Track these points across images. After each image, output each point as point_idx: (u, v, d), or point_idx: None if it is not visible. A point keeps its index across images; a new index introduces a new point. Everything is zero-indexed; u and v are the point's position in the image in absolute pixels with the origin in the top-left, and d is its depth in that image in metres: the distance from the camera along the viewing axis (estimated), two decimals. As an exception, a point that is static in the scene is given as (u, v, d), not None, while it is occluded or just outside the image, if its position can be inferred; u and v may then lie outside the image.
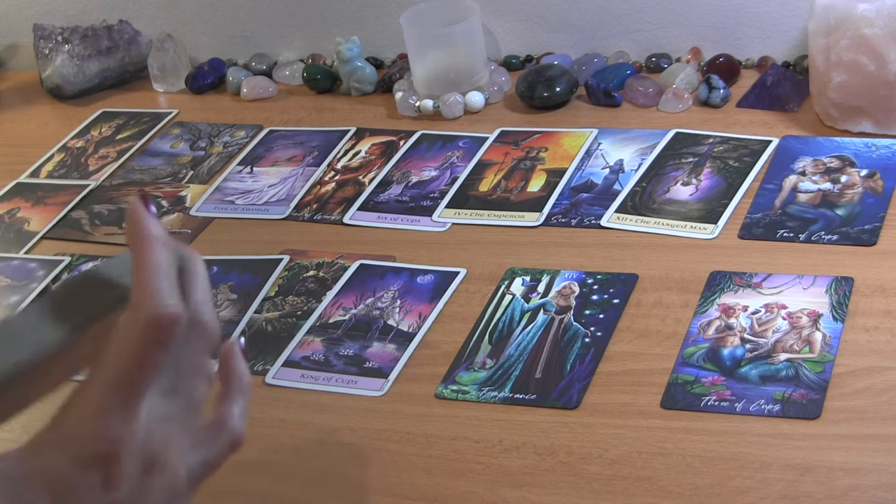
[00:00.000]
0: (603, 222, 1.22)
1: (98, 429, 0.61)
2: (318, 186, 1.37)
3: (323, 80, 1.57)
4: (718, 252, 1.15)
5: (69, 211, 1.41)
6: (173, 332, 0.62)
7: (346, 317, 1.15)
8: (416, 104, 1.47)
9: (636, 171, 1.28)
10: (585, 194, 1.26)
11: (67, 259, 1.32)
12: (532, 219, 1.25)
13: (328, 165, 1.41)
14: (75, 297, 0.65)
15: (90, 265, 1.30)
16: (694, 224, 1.19)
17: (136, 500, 0.62)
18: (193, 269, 0.66)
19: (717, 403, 0.97)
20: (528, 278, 1.16)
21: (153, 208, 0.66)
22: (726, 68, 1.42)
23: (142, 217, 0.65)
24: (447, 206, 1.29)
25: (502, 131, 1.40)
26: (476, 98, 1.45)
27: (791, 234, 1.15)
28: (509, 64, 1.54)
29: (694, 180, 1.25)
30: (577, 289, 1.13)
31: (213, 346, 0.66)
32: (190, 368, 0.65)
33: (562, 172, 1.30)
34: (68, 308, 0.64)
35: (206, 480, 0.68)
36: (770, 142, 1.28)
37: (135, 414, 0.62)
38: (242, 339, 0.71)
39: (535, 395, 1.02)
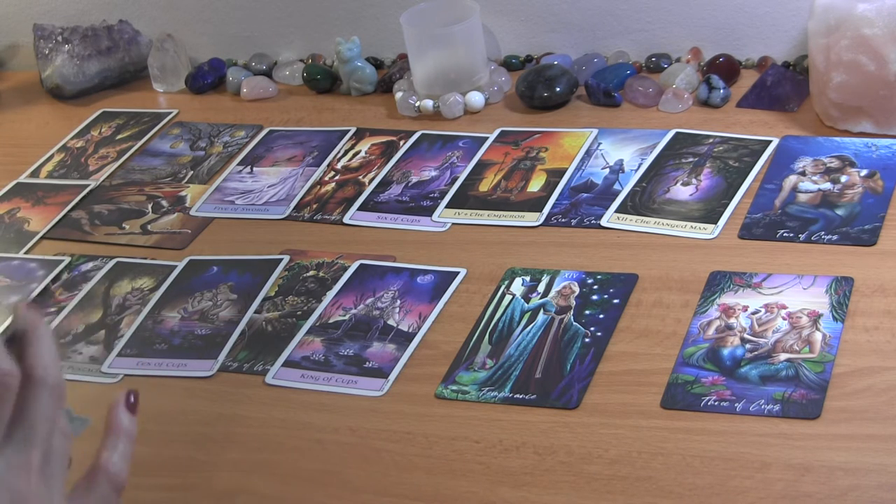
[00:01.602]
0: (603, 222, 1.22)
1: None
2: (318, 186, 1.37)
3: (323, 80, 1.57)
4: (718, 252, 1.15)
5: (69, 211, 1.41)
6: (8, 387, 0.67)
7: (346, 317, 1.15)
8: (416, 104, 1.47)
9: (636, 171, 1.28)
10: (585, 194, 1.26)
11: (67, 259, 1.32)
12: (532, 219, 1.25)
13: (328, 165, 1.41)
14: None
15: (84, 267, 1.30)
16: (694, 224, 1.19)
17: None
18: (31, 330, 0.71)
19: (717, 403, 0.97)
20: (528, 278, 1.16)
21: None
22: (726, 68, 1.42)
23: None
24: (447, 206, 1.29)
25: (502, 131, 1.40)
26: (476, 98, 1.45)
27: (791, 234, 1.15)
28: (509, 64, 1.54)
29: (694, 180, 1.25)
30: (577, 289, 1.13)
31: (59, 400, 0.70)
32: (40, 422, 0.69)
33: (562, 172, 1.30)
34: None
35: None
36: (770, 142, 1.28)
37: None
38: (132, 395, 0.76)
39: (535, 395, 1.02)
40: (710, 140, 1.31)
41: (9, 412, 0.67)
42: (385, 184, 1.35)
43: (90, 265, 1.30)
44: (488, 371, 1.06)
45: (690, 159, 1.28)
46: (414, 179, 1.35)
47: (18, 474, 0.67)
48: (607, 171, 1.29)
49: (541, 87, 1.43)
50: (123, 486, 0.74)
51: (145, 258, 1.30)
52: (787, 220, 1.17)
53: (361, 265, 1.22)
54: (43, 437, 0.69)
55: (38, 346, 0.70)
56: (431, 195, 1.31)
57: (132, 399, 0.76)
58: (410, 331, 1.12)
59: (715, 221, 1.18)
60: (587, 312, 1.10)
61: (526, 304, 1.12)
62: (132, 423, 0.76)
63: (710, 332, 1.05)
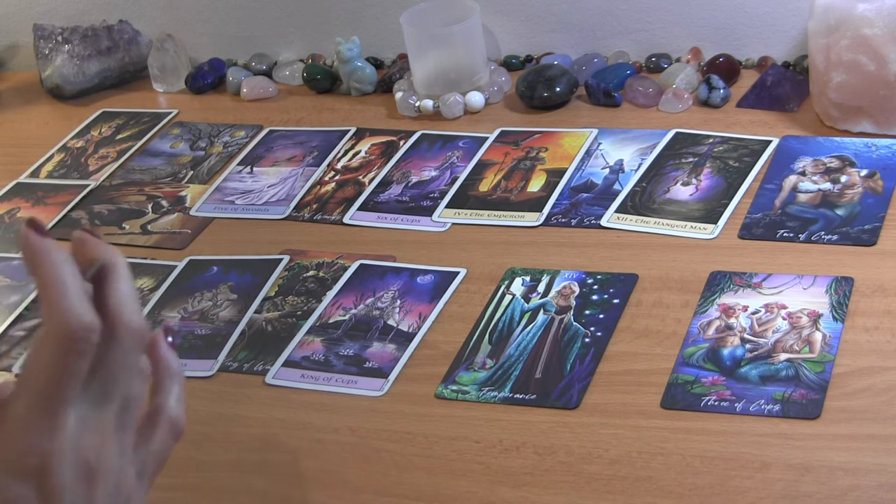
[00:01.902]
0: (603, 222, 1.22)
1: (26, 443, 0.62)
2: (318, 186, 1.37)
3: (323, 80, 1.57)
4: (718, 252, 1.15)
5: (69, 211, 1.41)
6: (87, 343, 0.62)
7: (346, 317, 1.15)
8: (416, 104, 1.47)
9: (636, 171, 1.28)
10: (585, 194, 1.26)
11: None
12: (532, 219, 1.25)
13: (328, 165, 1.41)
14: None
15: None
16: (694, 224, 1.19)
17: None
18: (111, 272, 0.66)
19: (717, 403, 0.97)
20: (528, 278, 1.16)
21: (46, 228, 0.66)
22: (726, 68, 1.42)
23: (33, 242, 0.65)
24: (447, 206, 1.29)
25: (502, 131, 1.40)
26: (476, 98, 1.45)
27: (791, 234, 1.15)
28: (509, 64, 1.54)
29: (694, 180, 1.25)
30: (577, 289, 1.13)
31: (142, 344, 0.66)
32: (120, 370, 0.65)
33: (562, 172, 1.30)
34: None
35: (159, 471, 0.69)
36: (770, 142, 1.28)
37: (60, 426, 0.63)
38: (172, 322, 0.72)
39: (535, 395, 1.02)
40: (710, 140, 1.31)
41: (87, 368, 0.63)
42: (385, 184, 1.35)
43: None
44: (488, 371, 1.06)
45: (690, 159, 1.28)
46: (414, 179, 1.35)
47: (93, 433, 0.64)
48: (607, 171, 1.29)
49: (541, 87, 1.43)
50: (182, 430, 0.70)
51: (145, 258, 1.30)
52: (787, 220, 1.17)
53: (361, 265, 1.22)
54: (122, 388, 0.65)
55: (120, 287, 0.66)
56: (431, 195, 1.31)
57: (170, 339, 0.72)
58: (410, 331, 1.12)
59: (715, 221, 1.18)
60: (587, 312, 1.10)
61: (526, 304, 1.12)
62: (178, 362, 0.71)
63: (710, 332, 1.05)
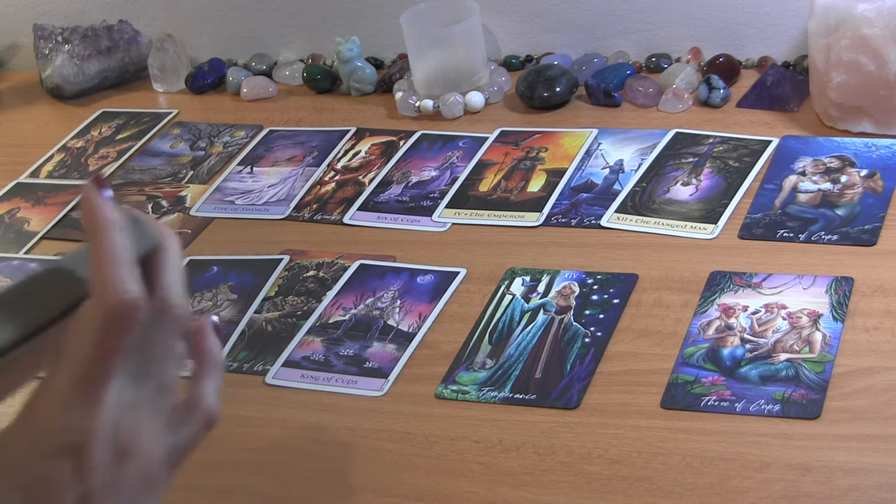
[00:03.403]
0: (603, 222, 1.22)
1: (65, 420, 0.61)
2: (318, 186, 1.37)
3: (323, 80, 1.57)
4: (718, 252, 1.15)
5: (69, 211, 1.41)
6: (133, 320, 0.61)
7: (346, 317, 1.15)
8: (416, 104, 1.47)
9: (636, 171, 1.28)
10: (585, 194, 1.26)
11: (67, 259, 1.32)
12: (532, 219, 1.25)
13: (328, 165, 1.41)
14: (35, 294, 0.63)
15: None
16: (694, 224, 1.19)
17: (110, 489, 0.62)
18: (164, 250, 0.66)
19: (717, 403, 0.97)
20: (528, 278, 1.16)
21: (108, 192, 0.65)
22: (726, 68, 1.42)
23: (96, 203, 0.64)
24: (447, 206, 1.29)
25: (502, 131, 1.40)
26: (476, 98, 1.45)
27: (791, 234, 1.15)
28: (509, 64, 1.54)
29: (694, 180, 1.25)
30: (577, 289, 1.13)
31: (182, 329, 0.66)
32: (160, 352, 0.65)
33: (562, 172, 1.30)
34: (25, 305, 0.63)
35: (185, 461, 0.67)
36: (770, 142, 1.28)
37: (101, 403, 0.61)
38: (215, 317, 0.71)
39: (535, 395, 1.02)
40: (710, 140, 1.31)
41: (128, 343, 0.61)
42: (385, 184, 1.35)
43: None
44: (488, 371, 1.06)
45: (690, 159, 1.28)
46: (414, 179, 1.35)
47: (127, 414, 0.62)
48: (607, 171, 1.29)
49: (541, 87, 1.43)
50: (216, 421, 0.68)
51: (145, 258, 1.30)
52: (787, 220, 1.17)
53: (361, 265, 1.22)
54: (160, 370, 0.64)
55: (169, 267, 0.65)
56: (431, 195, 1.31)
57: (217, 323, 0.71)
58: (410, 331, 1.12)
59: (715, 221, 1.18)
60: (587, 312, 1.10)
61: (526, 304, 1.12)
62: (221, 352, 0.70)
63: (710, 332, 1.05)
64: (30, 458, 0.61)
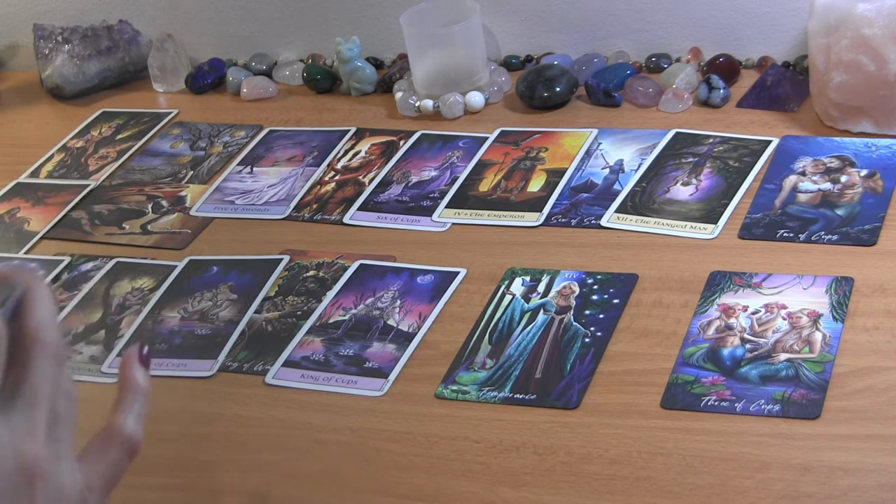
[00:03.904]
0: (603, 222, 1.22)
1: None
2: (318, 186, 1.37)
3: (323, 80, 1.57)
4: (718, 252, 1.15)
5: (69, 211, 1.41)
6: None
7: (346, 317, 1.15)
8: (416, 104, 1.47)
9: (636, 171, 1.28)
10: (585, 194, 1.26)
11: (67, 259, 1.32)
12: (532, 219, 1.25)
13: (328, 165, 1.41)
14: None
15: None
16: (694, 224, 1.19)
17: None
18: (31, 296, 0.68)
19: (717, 403, 0.97)
20: (528, 278, 1.16)
21: None
22: (726, 68, 1.42)
23: None
24: (447, 206, 1.29)
25: (502, 131, 1.40)
26: (476, 98, 1.45)
27: (791, 234, 1.15)
28: (509, 64, 1.54)
29: (694, 180, 1.25)
30: (577, 289, 1.13)
31: (59, 360, 0.68)
32: (42, 382, 0.67)
33: (562, 172, 1.30)
34: None
35: (113, 489, 0.69)
36: (770, 142, 1.28)
37: None
38: (146, 347, 0.73)
39: (535, 395, 1.02)
40: (710, 140, 1.31)
41: (1, 372, 0.65)
42: (385, 184, 1.35)
43: (90, 265, 1.30)
44: (488, 371, 1.06)
45: (690, 159, 1.28)
46: (414, 179, 1.35)
47: (24, 438, 0.65)
48: (607, 171, 1.29)
49: (541, 87, 1.43)
50: (138, 449, 0.71)
51: (145, 258, 1.30)
52: (787, 220, 1.17)
53: (361, 265, 1.22)
54: (46, 399, 0.66)
55: (36, 306, 0.68)
56: (431, 195, 1.31)
57: (144, 352, 0.73)
58: (410, 331, 1.12)
59: (715, 221, 1.18)
60: (587, 312, 1.10)
61: (526, 304, 1.12)
62: (146, 380, 0.73)
63: (710, 332, 1.05)
64: None
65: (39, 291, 0.69)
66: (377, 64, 1.60)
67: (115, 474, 0.70)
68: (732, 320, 1.05)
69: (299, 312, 1.17)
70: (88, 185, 1.45)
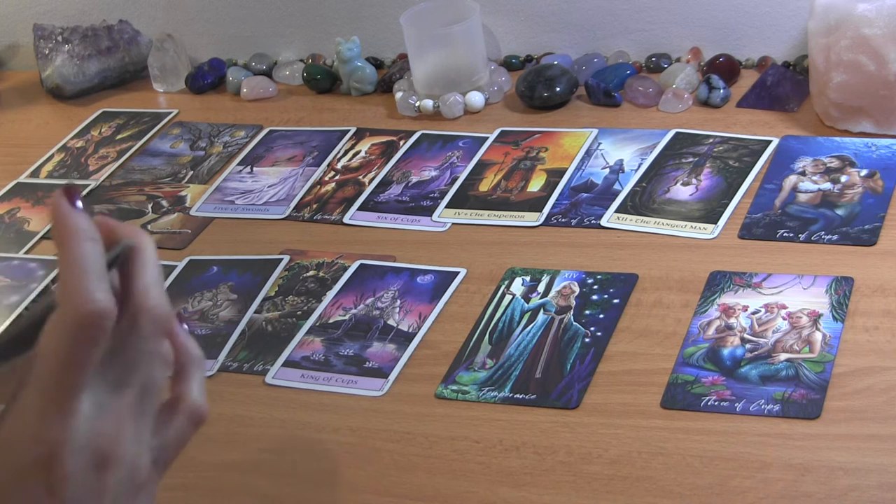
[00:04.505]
0: (603, 222, 1.22)
1: (35, 432, 0.60)
2: (318, 186, 1.37)
3: (323, 80, 1.57)
4: (718, 252, 1.15)
5: (69, 211, 1.41)
6: (101, 330, 0.60)
7: (346, 317, 1.15)
8: (416, 104, 1.47)
9: (636, 171, 1.28)
10: (585, 194, 1.26)
11: (67, 259, 1.31)
12: (532, 219, 1.25)
13: (328, 165, 1.41)
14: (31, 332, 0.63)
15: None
16: (694, 224, 1.19)
17: (91, 499, 0.61)
18: (138, 255, 0.64)
19: (717, 403, 0.97)
20: (528, 278, 1.16)
21: (79, 203, 0.63)
22: (726, 68, 1.42)
23: (64, 213, 0.62)
24: (447, 206, 1.29)
25: (502, 131, 1.40)
26: (476, 98, 1.45)
27: (791, 234, 1.15)
28: (509, 64, 1.54)
29: (694, 180, 1.25)
30: (577, 289, 1.13)
31: (164, 330, 0.65)
32: (141, 356, 0.63)
33: (562, 172, 1.30)
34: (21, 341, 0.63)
35: (173, 462, 0.67)
36: (770, 142, 1.28)
37: (72, 413, 0.60)
38: (186, 322, 0.70)
39: (535, 395, 1.02)
40: (710, 140, 1.31)
41: (99, 354, 0.60)
42: (385, 184, 1.35)
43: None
44: (488, 371, 1.06)
45: (690, 159, 1.28)
46: (414, 179, 1.35)
47: (110, 419, 0.61)
48: (607, 171, 1.29)
49: (541, 87, 1.43)
50: (205, 419, 0.68)
51: (145, 258, 1.30)
52: (787, 220, 1.17)
53: (361, 265, 1.22)
54: (142, 374, 0.63)
55: (146, 270, 0.64)
56: (431, 195, 1.31)
57: (185, 324, 0.70)
58: (410, 331, 1.12)
59: (715, 221, 1.18)
60: (587, 312, 1.10)
61: (526, 304, 1.12)
62: (197, 347, 0.69)
63: (710, 332, 1.05)
64: (2, 473, 0.60)
65: (148, 250, 0.65)
66: (377, 64, 1.60)
67: (178, 446, 0.67)
68: (732, 320, 1.05)
69: (299, 312, 1.17)
70: (88, 185, 1.46)
